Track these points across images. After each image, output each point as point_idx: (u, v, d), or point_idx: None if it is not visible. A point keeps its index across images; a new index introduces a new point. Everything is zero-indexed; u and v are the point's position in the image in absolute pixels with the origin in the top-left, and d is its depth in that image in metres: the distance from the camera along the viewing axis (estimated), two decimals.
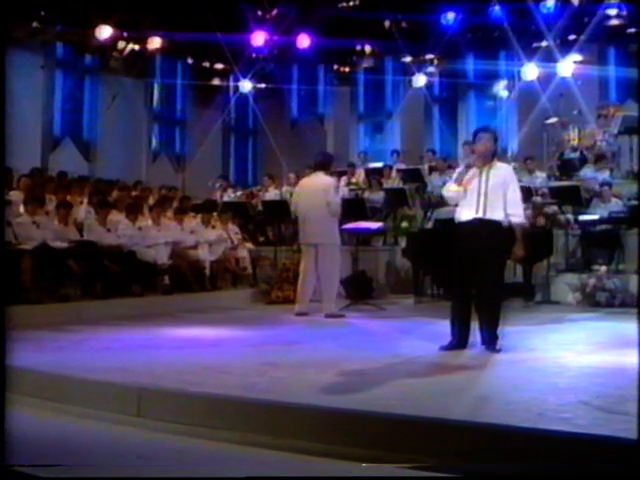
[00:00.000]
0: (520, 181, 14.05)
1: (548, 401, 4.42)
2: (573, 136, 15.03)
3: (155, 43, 14.70)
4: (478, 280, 6.40)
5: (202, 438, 4.40)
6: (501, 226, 6.45)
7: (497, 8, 15.08)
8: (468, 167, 6.66)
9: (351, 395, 4.68)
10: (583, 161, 14.42)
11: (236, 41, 15.32)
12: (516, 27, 15.30)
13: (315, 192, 9.55)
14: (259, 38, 15.43)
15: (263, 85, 17.37)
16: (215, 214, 12.74)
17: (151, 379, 5.20)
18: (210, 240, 11.81)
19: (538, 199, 11.78)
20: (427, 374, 5.44)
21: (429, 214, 14.22)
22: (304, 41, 15.48)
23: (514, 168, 14.89)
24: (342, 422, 4.11)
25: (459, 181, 6.65)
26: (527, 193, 12.99)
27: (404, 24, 15.54)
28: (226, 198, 14.87)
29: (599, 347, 6.80)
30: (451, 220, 11.67)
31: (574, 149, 14.85)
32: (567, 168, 14.51)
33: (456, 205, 6.73)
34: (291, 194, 14.67)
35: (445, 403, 4.36)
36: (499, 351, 6.37)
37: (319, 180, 9.65)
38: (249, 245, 12.95)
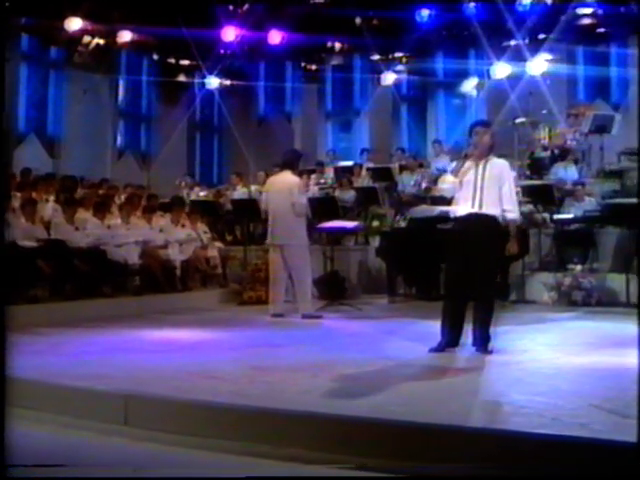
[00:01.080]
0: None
1: (558, 405, 4.26)
2: (544, 135, 14.99)
3: (124, 37, 14.32)
4: (473, 277, 6.23)
5: (196, 448, 4.17)
6: (497, 222, 6.30)
7: (472, 5, 14.98)
8: (466, 157, 6.50)
9: (351, 401, 4.47)
10: (554, 160, 14.39)
11: (206, 37, 15.01)
12: (489, 25, 15.21)
13: (282, 191, 9.34)
14: (229, 34, 15.14)
15: (231, 82, 17.07)
16: (184, 213, 12.43)
17: (137, 385, 4.93)
18: (180, 239, 11.53)
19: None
20: (425, 378, 5.26)
21: (402, 213, 14.14)
22: (275, 37, 15.24)
23: None
24: (348, 430, 3.90)
25: (455, 172, 6.49)
26: None
27: (375, 21, 15.36)
28: (193, 196, 14.56)
29: (589, 348, 6.67)
30: (426, 219, 11.81)
31: (545, 148, 14.81)
32: (538, 167, 14.48)
33: (451, 199, 6.56)
34: (261, 193, 14.55)
35: (453, 408, 4.18)
36: (491, 353, 6.22)
37: (286, 179, 9.43)
38: (219, 244, 12.68)
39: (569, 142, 14.73)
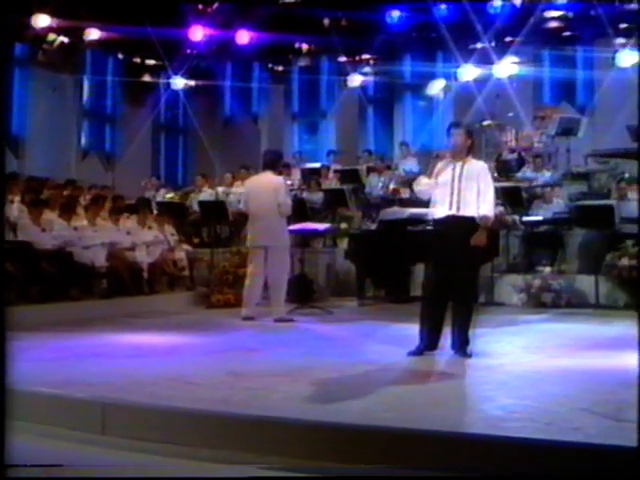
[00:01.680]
0: None
1: (549, 410, 4.20)
2: (511, 137, 15.06)
3: (91, 35, 14.02)
4: (452, 280, 6.17)
5: (179, 457, 4.03)
6: (475, 223, 6.24)
7: (443, 7, 14.97)
8: (437, 158, 6.45)
9: (337, 407, 4.37)
10: (521, 162, 14.45)
11: (173, 36, 14.77)
12: (457, 27, 15.21)
13: (264, 192, 9.18)
14: (197, 33, 14.92)
15: (197, 82, 16.84)
16: (151, 214, 12.22)
17: (114, 392, 4.77)
18: (147, 241, 11.31)
19: None
20: (409, 382, 5.17)
21: (370, 215, 14.08)
22: (243, 37, 15.07)
23: None
24: (340, 437, 3.79)
25: (430, 174, 6.43)
26: None
27: (344, 22, 15.26)
28: (159, 198, 14.34)
29: (568, 350, 6.65)
30: (397, 221, 11.75)
31: (512, 150, 14.88)
32: (505, 169, 14.52)
33: (428, 202, 6.49)
34: (228, 194, 14.40)
35: (444, 414, 4.10)
36: (470, 356, 6.16)
37: (268, 179, 9.29)
38: (186, 246, 12.48)
39: (536, 144, 14.81)
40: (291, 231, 10.93)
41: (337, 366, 5.73)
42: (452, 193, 6.26)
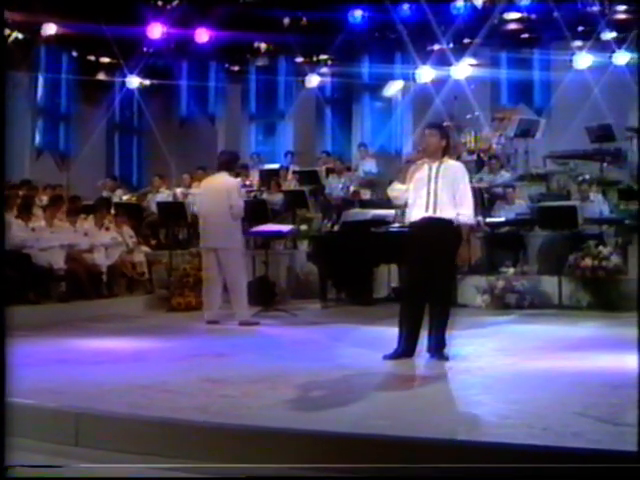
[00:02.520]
0: None
1: (542, 414, 4.10)
2: (469, 139, 15.05)
3: (48, 30, 13.60)
4: (430, 282, 6.06)
5: (160, 469, 3.82)
6: (452, 225, 6.14)
7: (406, 7, 14.91)
8: (408, 162, 6.34)
9: (325, 414, 4.22)
10: (480, 164, 14.46)
11: (130, 33, 14.43)
12: (419, 28, 15.18)
13: (218, 193, 8.99)
14: (155, 31, 14.59)
15: (153, 81, 16.51)
16: (108, 215, 11.91)
17: (86, 401, 4.54)
18: (105, 243, 11.01)
19: None
20: (392, 387, 5.05)
21: (330, 217, 13.94)
22: (203, 35, 14.78)
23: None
24: (336, 447, 3.63)
25: (402, 179, 6.31)
26: None
27: (304, 21, 15.10)
28: (115, 199, 14.01)
29: (542, 352, 6.59)
30: (359, 223, 11.63)
31: (471, 152, 14.87)
32: None
33: (405, 206, 6.38)
34: (187, 195, 14.13)
35: (437, 421, 3.97)
36: (447, 359, 6.06)
37: (222, 181, 9.10)
38: (145, 248, 12.20)
39: (495, 146, 14.84)
40: (255, 232, 10.79)
41: (314, 371, 5.57)
42: (428, 194, 6.14)
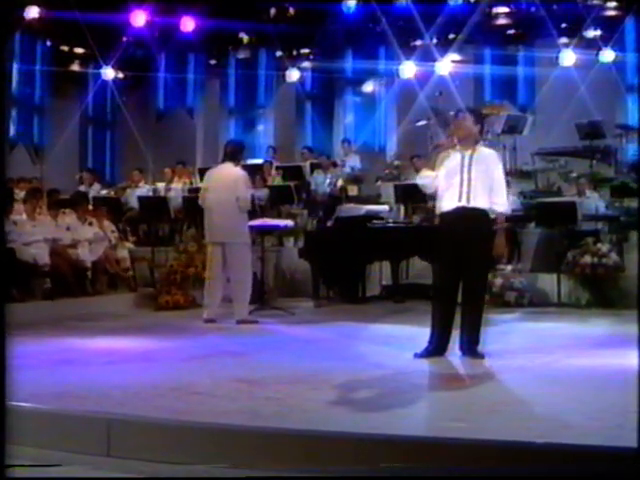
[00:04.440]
0: (407, 179, 14.03)
1: (617, 412, 3.74)
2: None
3: (32, 12, 12.95)
4: (464, 277, 5.72)
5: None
6: (487, 216, 5.81)
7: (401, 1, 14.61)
8: (437, 148, 6.01)
9: (391, 415, 3.83)
10: None
11: (108, 22, 13.85)
12: (406, 23, 14.90)
13: (224, 185, 8.56)
14: (139, 18, 14.01)
15: (129, 73, 15.95)
16: (89, 210, 11.39)
17: (114, 407, 4.09)
18: (88, 238, 10.50)
19: None
20: (443, 387, 4.72)
21: (316, 213, 13.59)
22: (188, 24, 14.25)
23: (397, 167, 14.89)
24: (413, 450, 3.24)
25: (431, 166, 5.98)
26: (420, 191, 12.71)
27: (291, 12, 14.69)
28: (93, 193, 13.46)
29: (573, 349, 6.29)
30: (353, 218, 11.28)
31: None
32: None
33: (434, 196, 6.03)
34: (170, 189, 13.67)
35: (514, 423, 3.60)
36: (483, 357, 5.72)
37: (228, 172, 8.66)
38: (129, 244, 11.70)
39: (481, 142, 14.57)
40: (252, 227, 10.35)
41: (349, 371, 5.19)
42: (462, 183, 5.80)
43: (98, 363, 5.62)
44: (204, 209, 8.79)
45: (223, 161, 8.90)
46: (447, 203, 5.86)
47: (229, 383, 4.72)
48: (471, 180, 5.79)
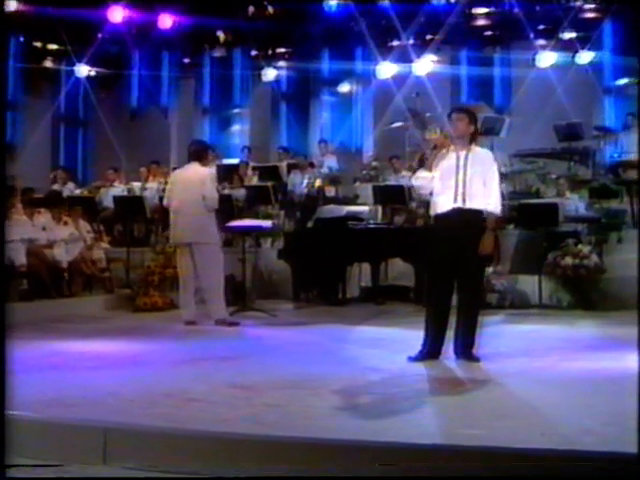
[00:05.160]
0: (386, 180, 13.95)
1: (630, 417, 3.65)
2: (435, 135, 14.67)
3: (11, 6, 12.64)
4: (459, 279, 5.62)
5: None
6: (483, 216, 5.72)
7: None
8: (435, 148, 5.90)
9: (395, 422, 3.72)
10: None
11: (83, 18, 13.57)
12: (383, 23, 14.81)
13: (190, 185, 8.40)
14: (116, 14, 13.72)
15: (103, 70, 15.66)
16: (64, 210, 11.13)
17: (109, 415, 3.92)
18: (65, 238, 10.26)
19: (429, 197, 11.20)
20: (446, 392, 4.60)
21: (294, 214, 13.46)
22: (166, 21, 14.00)
23: (375, 168, 14.79)
24: (432, 459, 3.12)
25: (428, 167, 5.87)
26: (400, 193, 12.63)
27: (270, 11, 14.51)
28: (67, 192, 13.19)
29: (565, 352, 6.21)
30: (333, 219, 11.15)
31: (435, 149, 14.51)
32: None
33: (430, 194, 5.92)
34: (145, 189, 13.44)
35: (534, 429, 3.49)
36: (478, 360, 5.62)
37: (195, 171, 8.51)
38: (105, 245, 11.46)
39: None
40: (232, 227, 10.19)
41: (346, 375, 5.07)
42: (457, 184, 5.71)
43: (84, 368, 5.43)
44: (170, 210, 8.63)
45: (188, 161, 8.77)
46: (442, 204, 5.77)
47: (224, 389, 4.56)
48: (466, 181, 5.71)
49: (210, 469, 3.39)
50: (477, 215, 5.71)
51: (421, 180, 5.94)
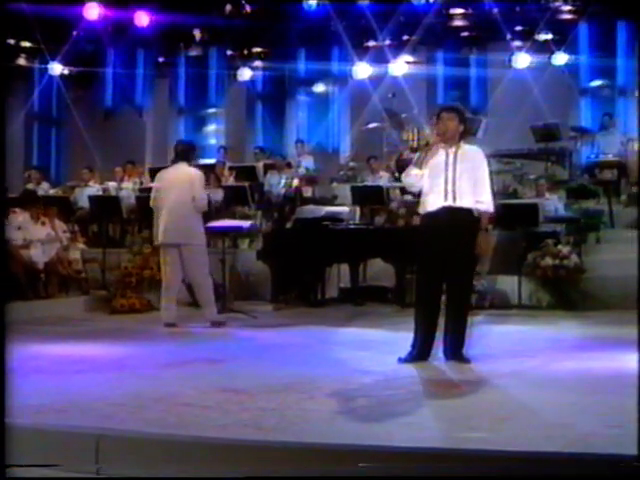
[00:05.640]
0: (364, 180, 13.90)
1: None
2: (412, 137, 14.70)
3: None
4: (448, 279, 5.58)
5: None
6: (472, 215, 5.68)
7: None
8: (427, 146, 5.86)
9: (399, 425, 3.62)
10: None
11: (57, 15, 13.35)
12: (359, 23, 14.77)
13: (178, 185, 8.31)
14: (92, 11, 13.49)
15: (77, 69, 15.44)
16: (40, 209, 10.94)
17: (100, 420, 3.80)
18: (41, 239, 10.10)
19: (409, 197, 11.18)
20: (442, 395, 4.53)
21: (271, 215, 13.36)
22: (142, 18, 13.81)
23: (352, 168, 14.74)
24: (441, 465, 3.06)
25: (419, 164, 5.82)
26: (379, 193, 12.59)
27: (247, 10, 14.38)
28: (41, 192, 12.97)
29: (553, 353, 6.20)
30: (313, 220, 11.06)
31: (414, 150, 14.50)
32: (404, 169, 14.14)
33: (419, 195, 5.87)
34: (121, 189, 13.28)
35: (541, 431, 3.44)
36: (469, 361, 5.58)
37: (183, 172, 8.43)
38: (81, 245, 11.28)
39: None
40: (212, 227, 10.07)
41: (338, 378, 4.99)
42: (446, 182, 5.66)
43: (68, 372, 5.30)
44: (155, 210, 8.52)
45: (175, 161, 8.66)
46: (431, 203, 5.71)
47: (215, 393, 4.46)
48: (456, 179, 5.66)
49: (209, 476, 3.29)
50: (467, 214, 5.67)
51: (412, 178, 5.88)
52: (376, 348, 6.39)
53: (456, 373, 5.18)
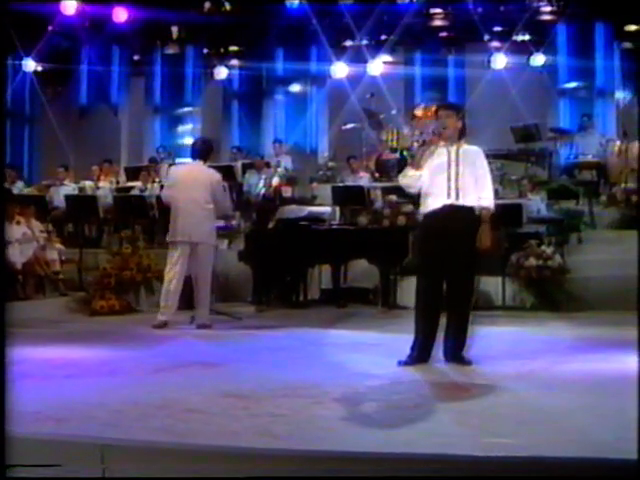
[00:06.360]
0: (343, 180, 13.81)
1: None
2: (391, 137, 14.65)
3: None
4: (451, 279, 5.48)
5: None
6: (474, 214, 5.60)
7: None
8: (423, 144, 5.76)
9: (422, 432, 3.50)
10: (404, 163, 14.05)
11: (32, 11, 13.05)
12: (338, 23, 14.67)
13: (198, 185, 8.23)
14: (69, 7, 13.20)
15: (50, 65, 15.14)
16: (15, 208, 10.68)
17: (102, 429, 3.63)
18: (18, 239, 9.85)
19: (393, 197, 11.10)
20: (454, 398, 4.41)
21: (250, 215, 13.20)
22: (120, 14, 13.57)
23: (331, 168, 14.64)
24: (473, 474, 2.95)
25: (417, 164, 5.72)
26: (360, 193, 12.50)
27: (226, 7, 14.18)
28: (15, 191, 12.70)
29: (553, 355, 6.12)
30: (295, 220, 10.92)
31: (393, 150, 14.47)
32: (384, 169, 14.12)
33: (418, 196, 5.77)
34: (98, 188, 13.04)
35: (571, 436, 3.34)
36: (471, 363, 5.48)
37: (202, 172, 8.37)
38: (58, 245, 11.03)
39: (415, 145, 14.46)
40: None
41: (340, 382, 4.84)
42: (449, 180, 5.58)
43: (58, 377, 5.11)
44: (171, 207, 8.37)
45: (193, 159, 8.57)
46: (433, 201, 5.62)
47: (220, 398, 4.30)
48: (459, 176, 5.59)
49: None
50: (470, 212, 5.60)
51: (408, 179, 5.79)
52: (368, 350, 6.30)
53: (461, 376, 5.08)
